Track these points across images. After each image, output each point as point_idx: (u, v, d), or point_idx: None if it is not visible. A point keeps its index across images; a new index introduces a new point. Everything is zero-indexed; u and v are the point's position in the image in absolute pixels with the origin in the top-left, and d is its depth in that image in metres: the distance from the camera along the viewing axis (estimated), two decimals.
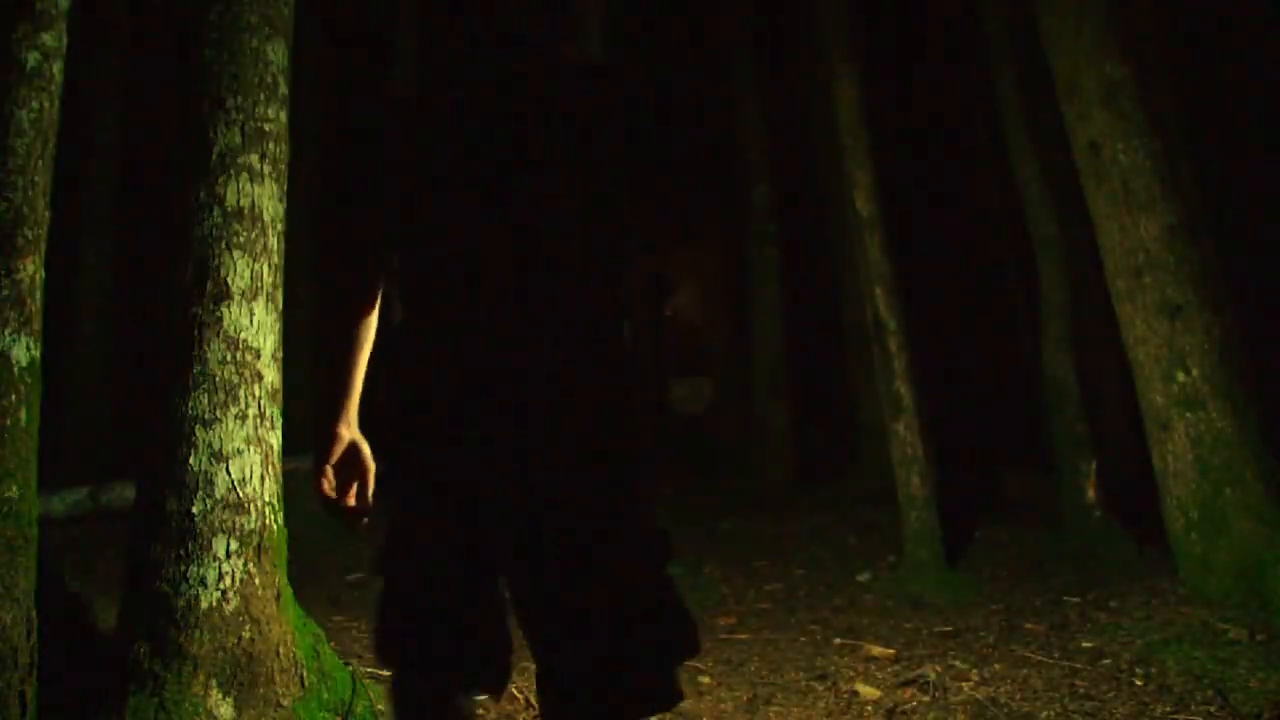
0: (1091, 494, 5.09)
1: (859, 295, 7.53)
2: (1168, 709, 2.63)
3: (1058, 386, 5.24)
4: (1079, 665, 3.04)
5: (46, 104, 2.04)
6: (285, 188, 2.48)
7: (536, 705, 1.69)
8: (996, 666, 3.09)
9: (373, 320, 1.63)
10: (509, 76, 1.53)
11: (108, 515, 5.19)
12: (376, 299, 1.63)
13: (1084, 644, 3.26)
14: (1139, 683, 2.84)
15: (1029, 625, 3.60)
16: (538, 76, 1.54)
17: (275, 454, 2.36)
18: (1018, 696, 2.79)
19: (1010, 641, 3.38)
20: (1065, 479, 5.25)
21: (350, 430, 1.57)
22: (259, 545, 2.26)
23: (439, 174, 1.51)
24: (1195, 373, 3.75)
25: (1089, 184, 4.07)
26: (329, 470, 1.53)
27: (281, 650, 2.26)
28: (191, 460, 2.21)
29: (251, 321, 2.32)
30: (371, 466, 1.56)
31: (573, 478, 1.44)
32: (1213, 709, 2.61)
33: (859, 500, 7.00)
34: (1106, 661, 3.05)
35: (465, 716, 1.52)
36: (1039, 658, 3.15)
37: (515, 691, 2.81)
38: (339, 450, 1.54)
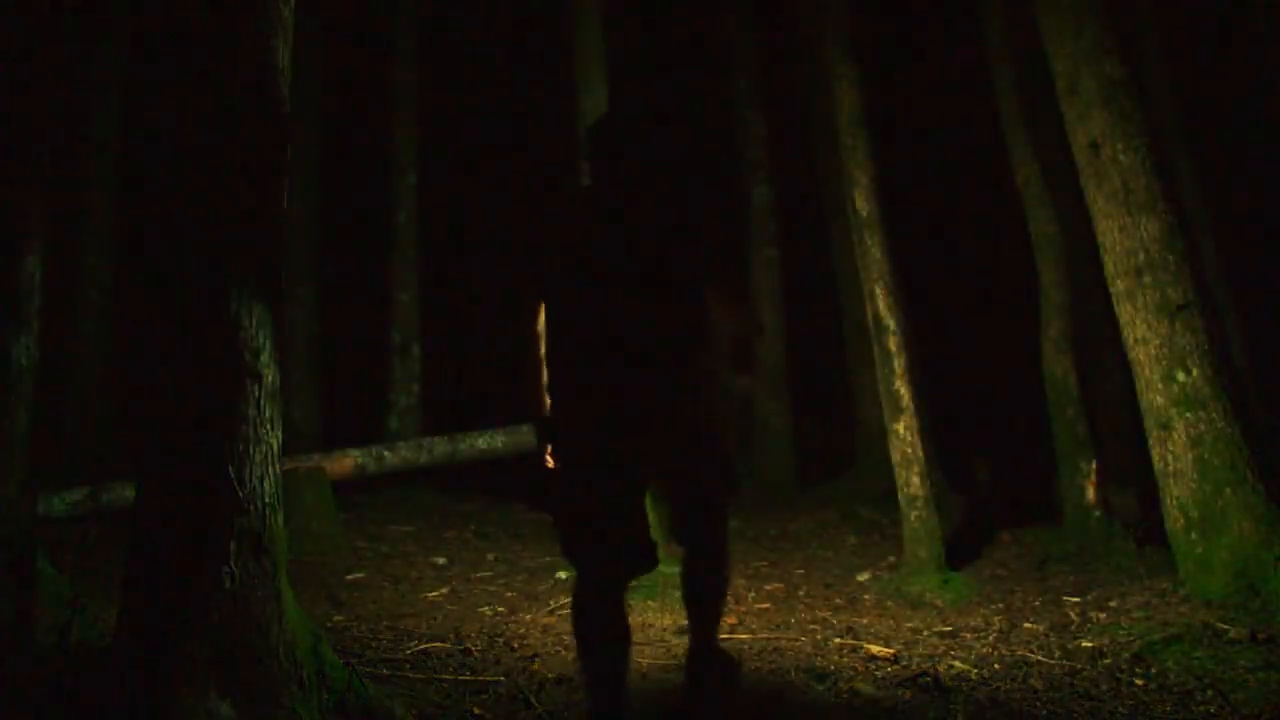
0: (1091, 494, 5.09)
1: (859, 295, 7.53)
2: (1168, 709, 2.64)
3: (1058, 386, 5.24)
4: (1079, 665, 3.04)
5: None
6: (285, 188, 2.48)
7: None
8: (996, 666, 3.09)
9: (540, 338, 2.42)
10: (629, 200, 2.40)
11: (108, 515, 5.18)
12: (541, 336, 2.41)
13: (1084, 644, 3.26)
14: (1139, 683, 2.84)
15: (1029, 625, 3.60)
16: (648, 199, 2.40)
17: (275, 454, 2.36)
18: (1018, 696, 2.79)
19: (1010, 641, 3.38)
20: (1065, 479, 5.25)
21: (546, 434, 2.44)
22: (259, 545, 2.26)
23: (581, 263, 2.36)
24: (1195, 373, 3.75)
25: (1089, 184, 4.07)
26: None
27: (281, 650, 2.26)
28: (192, 460, 2.20)
29: (251, 322, 2.31)
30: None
31: (677, 435, 2.34)
32: (1213, 709, 2.61)
33: (859, 500, 7.00)
34: (1106, 661, 3.05)
35: (621, 610, 2.36)
36: (1039, 658, 3.15)
37: (515, 691, 2.81)
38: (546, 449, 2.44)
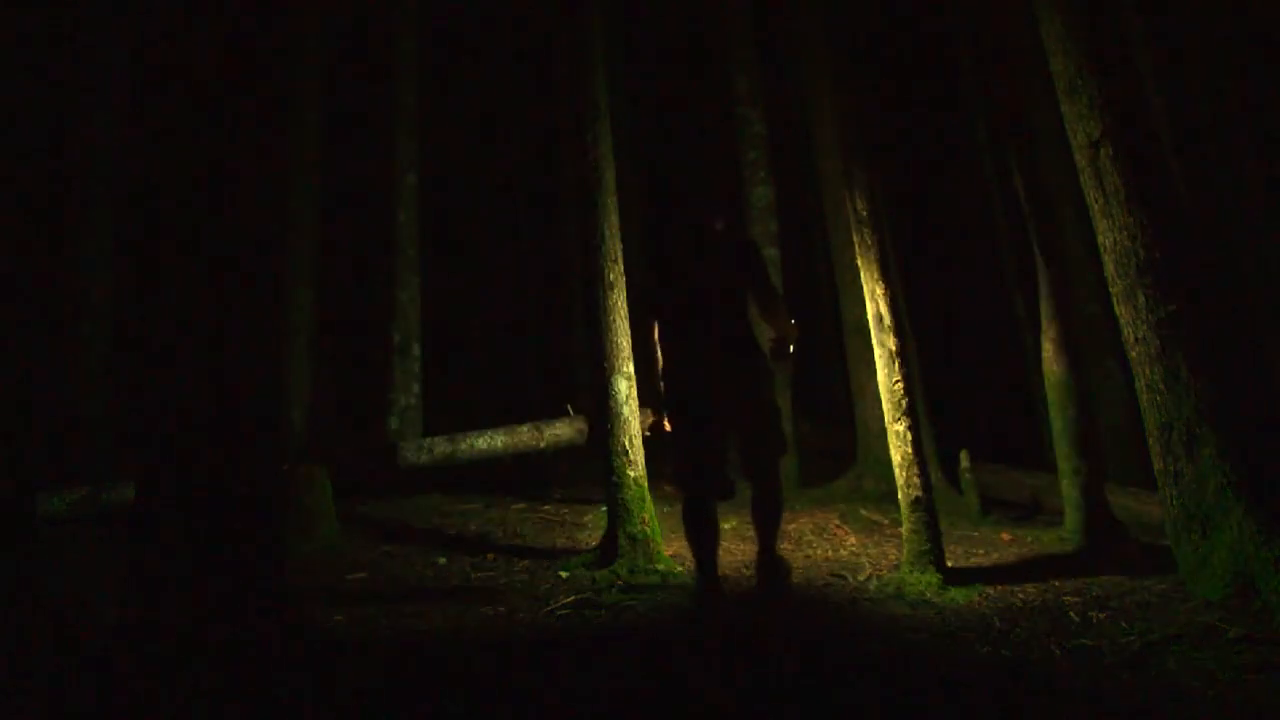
0: (1091, 494, 5.09)
1: (859, 295, 7.53)
2: (1169, 709, 2.64)
3: (1058, 386, 5.24)
4: (1079, 665, 3.04)
5: None
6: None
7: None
8: (997, 668, 3.09)
9: (656, 345, 3.88)
10: (700, 237, 3.84)
11: (108, 515, 5.19)
12: (656, 337, 3.89)
13: (1084, 643, 3.26)
14: (1140, 682, 2.85)
15: (1029, 625, 3.60)
16: (712, 237, 3.85)
17: (278, 456, 2.36)
18: (1019, 697, 2.79)
19: (1011, 642, 3.38)
20: (1065, 479, 5.25)
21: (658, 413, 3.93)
22: (260, 541, 2.26)
23: (675, 279, 3.82)
24: (1195, 373, 3.75)
25: (1089, 184, 4.07)
26: (649, 420, 4.27)
27: (284, 639, 2.27)
28: (197, 460, 2.21)
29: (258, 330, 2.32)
30: (664, 419, 3.83)
31: (740, 400, 3.72)
32: (1213, 709, 2.61)
33: (859, 500, 7.01)
34: (1107, 661, 3.05)
35: (713, 516, 3.71)
36: (1039, 658, 3.15)
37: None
38: (658, 421, 3.85)
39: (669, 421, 3.74)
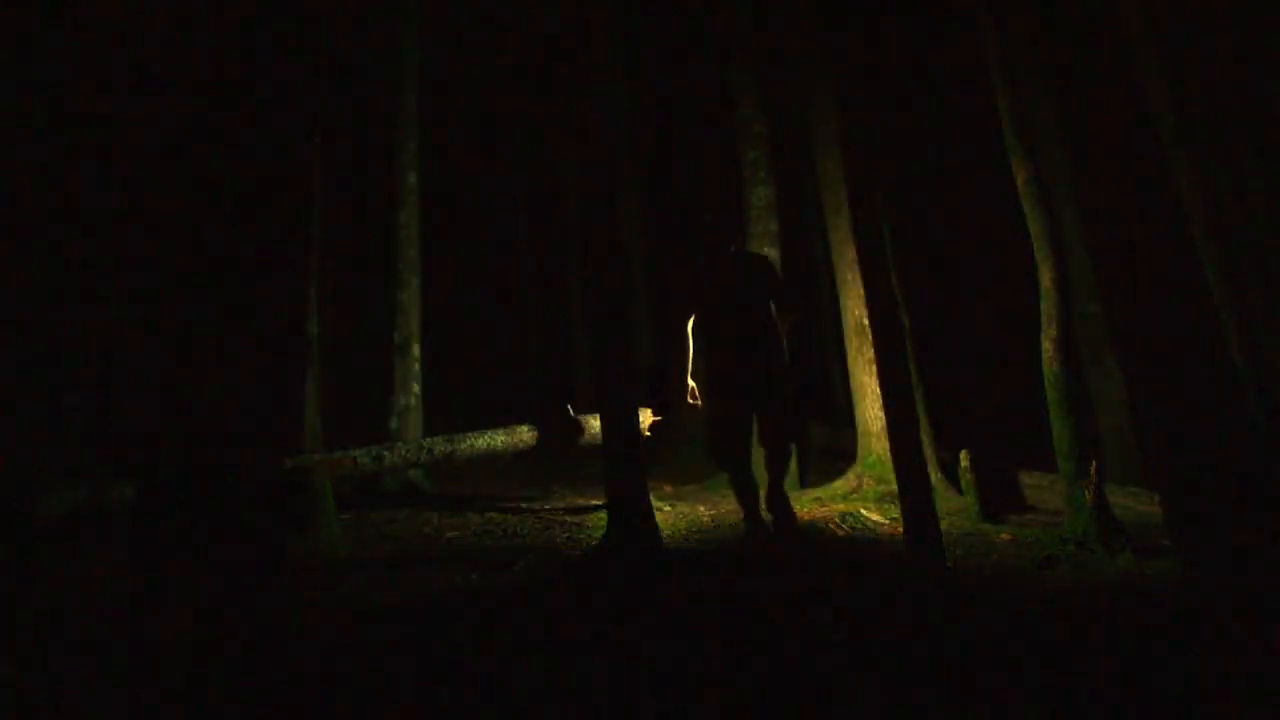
0: (1091, 494, 5.09)
1: (859, 295, 7.54)
2: (1171, 709, 2.64)
3: (1057, 386, 5.24)
4: (1080, 666, 3.04)
5: None
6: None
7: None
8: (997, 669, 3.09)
9: (689, 358, 5.05)
10: (731, 265, 5.12)
11: (108, 515, 5.19)
12: (690, 351, 5.07)
13: (1085, 645, 3.26)
14: (1142, 684, 2.85)
15: (1028, 625, 3.61)
16: (740, 263, 5.17)
17: (278, 456, 2.37)
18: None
19: (1009, 642, 3.38)
20: (1065, 479, 5.25)
21: (686, 389, 5.20)
22: (259, 541, 2.27)
23: (710, 297, 5.07)
24: (1193, 373, 3.75)
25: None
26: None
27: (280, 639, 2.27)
28: (197, 460, 2.21)
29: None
30: (699, 400, 5.20)
31: (764, 397, 5.00)
32: (1216, 708, 2.61)
33: (859, 500, 7.00)
34: (1108, 662, 3.06)
35: (750, 474, 5.13)
36: (1039, 656, 3.15)
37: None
38: (689, 395, 5.18)
39: (707, 404, 4.90)
